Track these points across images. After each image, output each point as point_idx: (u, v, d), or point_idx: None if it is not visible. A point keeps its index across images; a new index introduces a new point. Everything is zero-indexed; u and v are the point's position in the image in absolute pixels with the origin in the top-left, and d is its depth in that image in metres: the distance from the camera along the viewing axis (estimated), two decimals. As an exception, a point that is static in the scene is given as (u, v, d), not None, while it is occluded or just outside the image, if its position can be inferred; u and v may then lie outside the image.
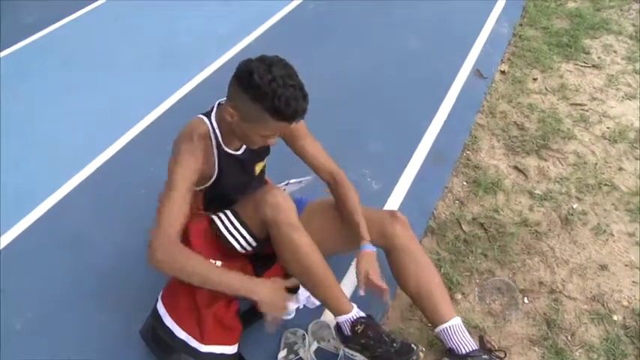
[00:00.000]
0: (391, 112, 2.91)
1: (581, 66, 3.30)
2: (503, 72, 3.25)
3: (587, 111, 2.91)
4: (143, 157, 2.63)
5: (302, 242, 1.56)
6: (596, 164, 2.55)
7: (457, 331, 1.64)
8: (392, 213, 1.81)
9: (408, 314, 1.88)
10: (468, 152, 2.63)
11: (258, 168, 1.76)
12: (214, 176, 1.62)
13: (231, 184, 1.68)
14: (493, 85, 3.13)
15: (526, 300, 1.95)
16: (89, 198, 2.45)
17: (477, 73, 3.22)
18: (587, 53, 3.42)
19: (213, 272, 1.46)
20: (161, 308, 1.64)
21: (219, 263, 1.58)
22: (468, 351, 1.61)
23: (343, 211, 1.78)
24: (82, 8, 4.20)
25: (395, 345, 1.56)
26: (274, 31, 3.75)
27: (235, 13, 3.99)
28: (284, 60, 1.40)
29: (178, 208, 1.44)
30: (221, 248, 1.64)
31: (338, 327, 1.64)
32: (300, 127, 1.70)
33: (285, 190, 1.82)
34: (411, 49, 3.46)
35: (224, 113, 1.48)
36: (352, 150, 2.62)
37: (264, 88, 1.33)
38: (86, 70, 3.43)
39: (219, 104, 1.59)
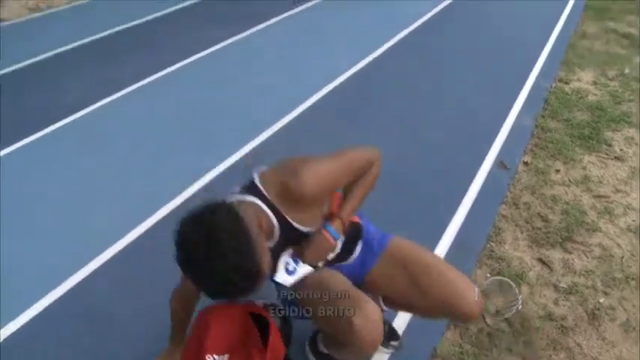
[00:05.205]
0: (415, 202, 3.00)
1: (604, 158, 3.37)
2: (526, 163, 3.34)
3: (611, 203, 2.94)
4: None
5: None
6: (622, 257, 2.54)
7: None
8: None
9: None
10: (491, 243, 2.67)
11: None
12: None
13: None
14: (516, 176, 3.21)
15: (553, 399, 1.91)
16: (114, 277, 2.54)
17: (500, 164, 3.31)
18: (609, 145, 3.50)
19: None
20: None
21: (226, 356, 1.54)
22: None
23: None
24: (119, 91, 4.60)
25: None
26: (303, 118, 3.98)
27: (268, 100, 4.29)
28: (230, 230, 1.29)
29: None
30: (234, 341, 1.61)
31: None
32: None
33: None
34: (435, 141, 3.61)
35: None
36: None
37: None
38: (119, 149, 3.69)
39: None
